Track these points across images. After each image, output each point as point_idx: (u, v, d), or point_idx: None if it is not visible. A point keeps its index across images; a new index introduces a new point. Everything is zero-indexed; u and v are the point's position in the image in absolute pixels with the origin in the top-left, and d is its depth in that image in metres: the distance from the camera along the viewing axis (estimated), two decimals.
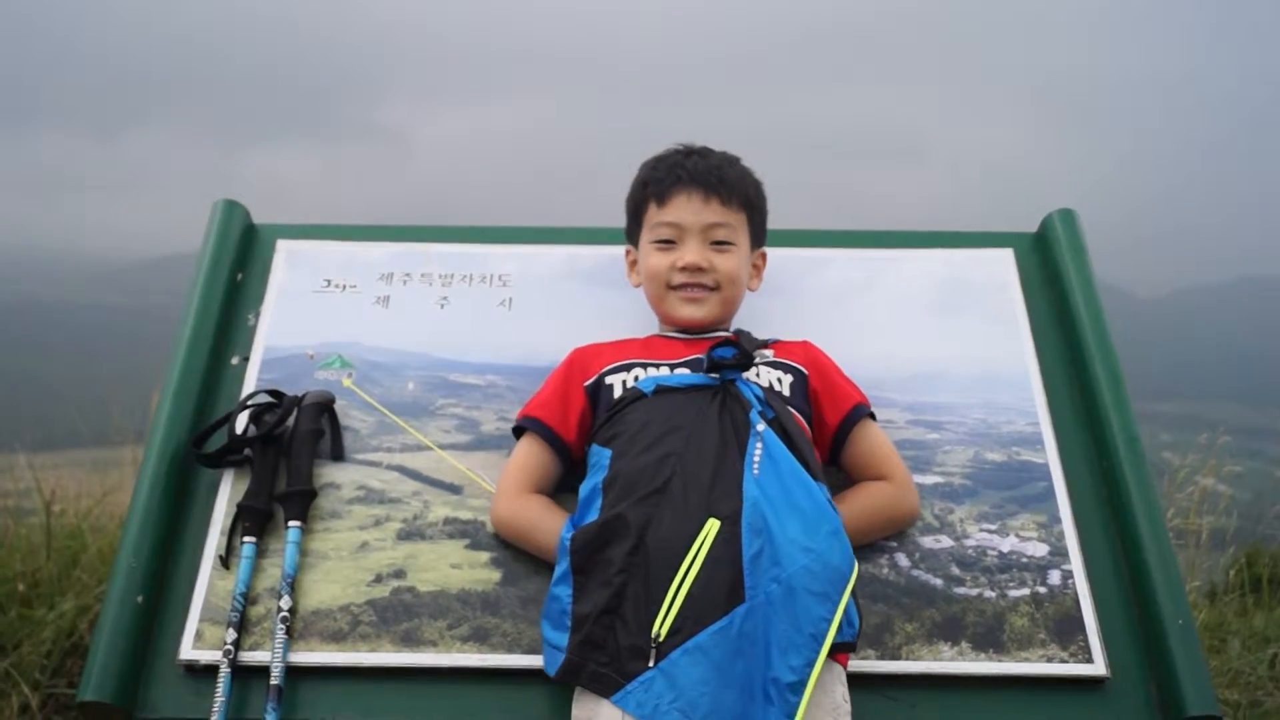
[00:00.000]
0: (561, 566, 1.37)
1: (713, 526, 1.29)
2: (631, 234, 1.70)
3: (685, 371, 1.51)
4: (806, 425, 1.51)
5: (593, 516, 1.38)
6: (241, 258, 1.90)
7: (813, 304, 1.85)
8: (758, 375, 1.50)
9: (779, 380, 1.53)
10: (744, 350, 1.46)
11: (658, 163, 1.65)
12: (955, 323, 1.84)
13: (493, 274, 1.90)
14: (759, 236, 1.68)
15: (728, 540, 1.28)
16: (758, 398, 1.44)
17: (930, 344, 1.81)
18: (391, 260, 1.92)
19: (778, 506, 1.30)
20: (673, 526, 1.30)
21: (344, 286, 1.88)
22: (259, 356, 1.78)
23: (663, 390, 1.47)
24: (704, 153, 1.65)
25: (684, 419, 1.41)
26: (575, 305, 1.85)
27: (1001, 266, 1.90)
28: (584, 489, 1.45)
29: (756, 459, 1.35)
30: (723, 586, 1.25)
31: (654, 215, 1.62)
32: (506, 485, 1.54)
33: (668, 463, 1.36)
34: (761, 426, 1.39)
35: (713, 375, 1.46)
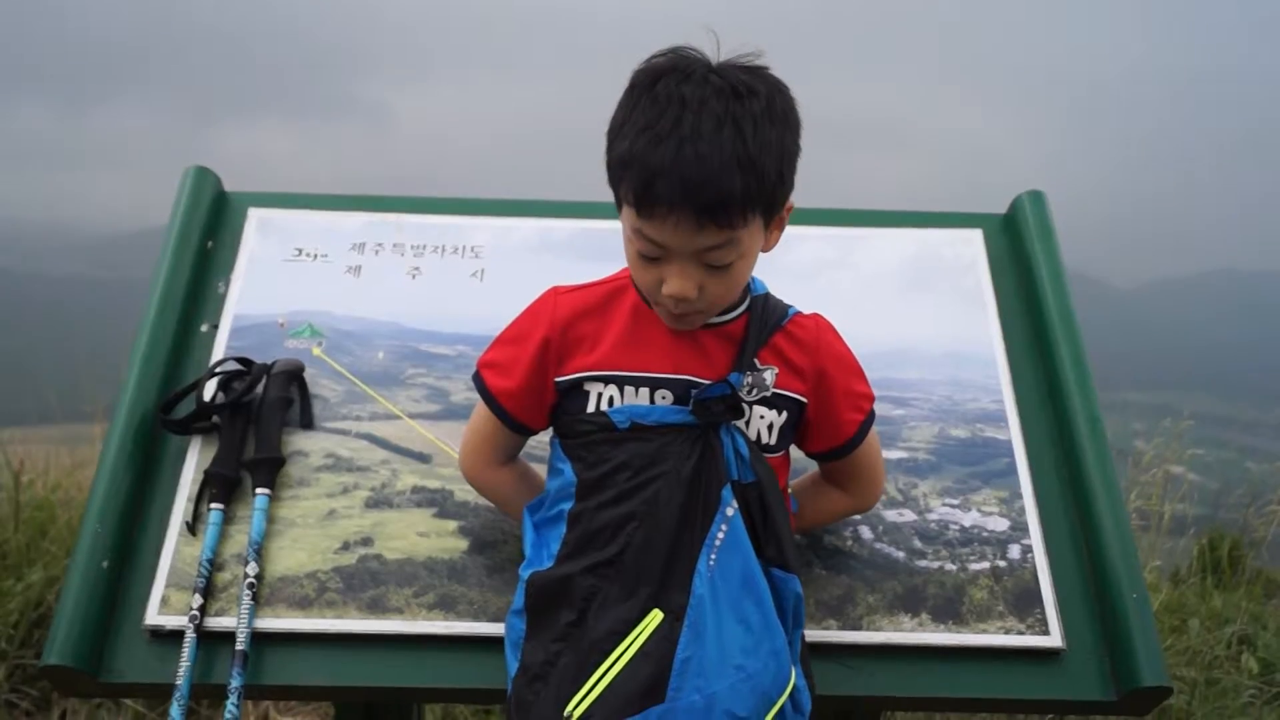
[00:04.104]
0: (519, 601, 1.34)
1: (655, 619, 1.23)
2: (612, 189, 1.30)
3: (666, 400, 1.33)
4: (788, 459, 1.41)
5: (556, 532, 1.33)
6: (212, 225, 1.88)
7: (785, 279, 1.88)
8: (747, 422, 1.34)
9: (769, 429, 1.36)
10: (735, 403, 1.31)
11: (637, 138, 1.19)
12: (924, 300, 1.86)
13: (465, 245, 1.90)
14: (778, 209, 1.29)
15: (665, 637, 1.21)
16: (740, 456, 1.31)
17: (899, 321, 1.82)
18: (363, 230, 1.91)
19: (722, 611, 1.23)
20: (615, 608, 1.25)
21: (315, 255, 1.87)
22: (228, 324, 1.77)
23: (638, 426, 1.31)
24: (703, 137, 1.16)
25: (655, 470, 1.28)
26: (547, 278, 1.85)
27: (971, 247, 1.92)
28: (551, 483, 1.39)
29: (717, 543, 1.26)
30: (644, 682, 1.20)
31: (630, 215, 1.25)
32: (477, 454, 1.48)
33: (626, 529, 1.27)
34: (731, 510, 1.27)
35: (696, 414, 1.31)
